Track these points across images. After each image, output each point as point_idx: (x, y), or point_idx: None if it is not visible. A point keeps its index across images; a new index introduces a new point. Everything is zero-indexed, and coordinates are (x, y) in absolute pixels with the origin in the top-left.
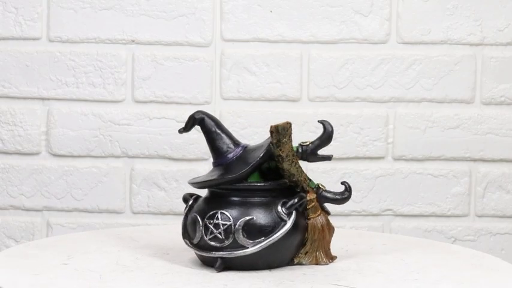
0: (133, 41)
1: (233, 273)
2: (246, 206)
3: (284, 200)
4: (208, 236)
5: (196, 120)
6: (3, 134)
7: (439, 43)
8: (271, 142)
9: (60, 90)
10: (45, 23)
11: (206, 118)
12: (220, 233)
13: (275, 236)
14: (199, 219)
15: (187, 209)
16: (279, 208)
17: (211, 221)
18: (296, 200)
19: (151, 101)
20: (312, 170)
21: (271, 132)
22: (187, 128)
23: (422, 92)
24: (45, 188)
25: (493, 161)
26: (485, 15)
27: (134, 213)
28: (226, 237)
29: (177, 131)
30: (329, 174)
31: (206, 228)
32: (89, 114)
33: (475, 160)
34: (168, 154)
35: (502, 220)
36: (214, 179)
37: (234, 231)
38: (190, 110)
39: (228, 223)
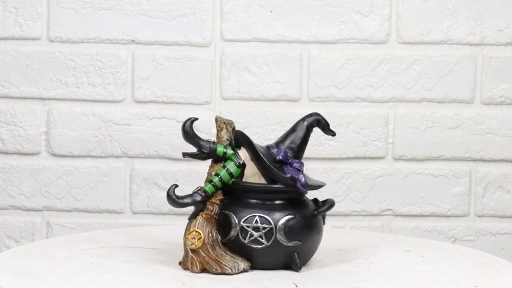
0: (133, 41)
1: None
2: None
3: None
4: None
5: None
6: (3, 134)
7: (439, 43)
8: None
9: (60, 90)
10: (45, 23)
11: None
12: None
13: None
14: None
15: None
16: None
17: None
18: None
19: (151, 101)
20: (312, 170)
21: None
22: None
23: (422, 92)
24: (45, 188)
25: (493, 161)
26: (485, 15)
27: (134, 213)
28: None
29: (332, 136)
30: (329, 174)
31: None
32: (89, 114)
33: (475, 160)
34: (168, 154)
35: (502, 220)
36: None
37: None
38: (190, 110)
39: None
